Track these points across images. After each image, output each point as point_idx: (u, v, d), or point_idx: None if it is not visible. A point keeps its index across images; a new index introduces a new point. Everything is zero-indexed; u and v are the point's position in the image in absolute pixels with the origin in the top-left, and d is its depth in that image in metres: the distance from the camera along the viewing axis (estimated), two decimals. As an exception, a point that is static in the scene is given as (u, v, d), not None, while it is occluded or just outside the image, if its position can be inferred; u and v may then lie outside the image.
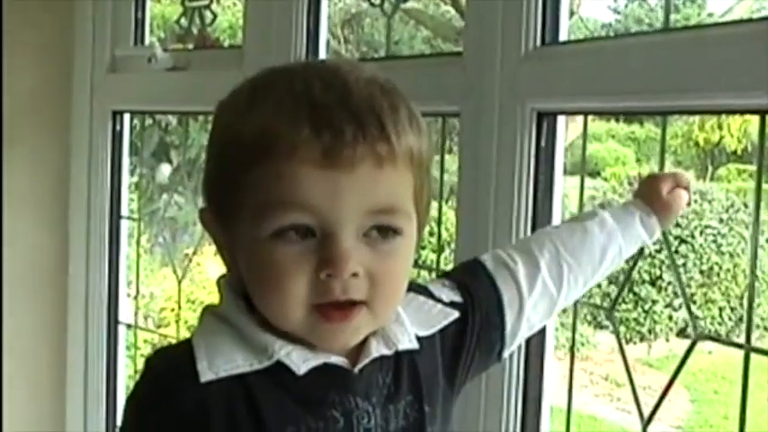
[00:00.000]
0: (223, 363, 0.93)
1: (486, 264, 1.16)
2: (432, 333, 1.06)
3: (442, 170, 1.84)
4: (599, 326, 6.38)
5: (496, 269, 1.15)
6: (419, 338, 1.03)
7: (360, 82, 0.92)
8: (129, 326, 2.76)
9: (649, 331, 6.61)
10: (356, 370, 0.97)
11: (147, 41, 2.59)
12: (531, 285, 1.15)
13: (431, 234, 2.06)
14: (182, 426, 0.91)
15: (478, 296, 1.12)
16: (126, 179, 2.66)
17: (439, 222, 1.98)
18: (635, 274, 6.48)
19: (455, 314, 1.08)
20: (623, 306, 6.55)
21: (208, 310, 1.01)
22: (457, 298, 1.11)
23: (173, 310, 4.55)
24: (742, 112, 1.84)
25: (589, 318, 6.43)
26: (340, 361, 0.96)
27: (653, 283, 6.57)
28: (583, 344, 6.39)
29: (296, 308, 0.92)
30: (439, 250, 2.12)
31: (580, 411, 5.89)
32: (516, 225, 1.65)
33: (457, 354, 1.09)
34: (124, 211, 2.66)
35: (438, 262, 2.09)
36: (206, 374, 0.92)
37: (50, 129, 2.66)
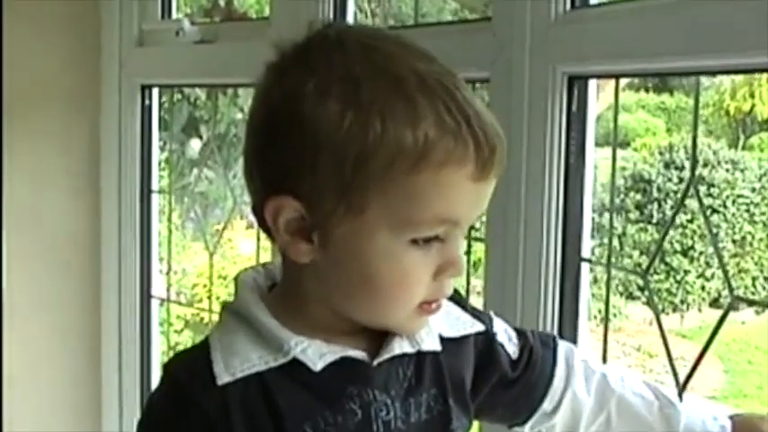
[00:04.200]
0: (239, 363, 0.93)
1: (558, 349, 1.17)
2: (457, 336, 1.06)
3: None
4: (631, 297, 6.36)
5: (562, 361, 1.16)
6: (443, 338, 1.04)
7: (465, 84, 0.93)
8: (161, 300, 2.78)
9: (682, 302, 6.59)
10: (375, 363, 0.97)
11: (174, 15, 2.59)
12: (572, 403, 1.15)
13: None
14: (205, 427, 0.92)
15: (534, 366, 1.14)
16: (156, 153, 2.67)
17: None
18: (666, 245, 6.45)
19: (480, 326, 1.09)
20: (655, 277, 6.52)
21: (225, 307, 1.01)
22: (512, 352, 1.12)
23: (204, 285, 4.56)
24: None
25: (621, 289, 6.40)
26: (359, 354, 0.96)
27: (685, 254, 6.53)
28: (615, 315, 6.37)
29: (408, 308, 0.94)
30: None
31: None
32: (549, 192, 1.64)
33: (485, 383, 1.10)
34: (155, 186, 2.67)
35: (469, 234, 2.07)
36: (223, 377, 0.92)
37: (80, 104, 2.66)
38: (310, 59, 0.93)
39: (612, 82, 1.76)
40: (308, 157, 0.90)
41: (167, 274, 2.95)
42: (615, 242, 6.60)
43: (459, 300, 1.09)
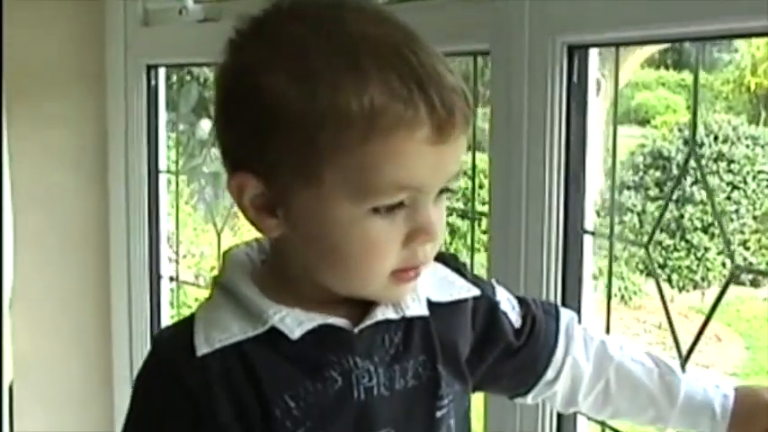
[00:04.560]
0: (218, 334, 0.94)
1: (560, 317, 1.16)
2: (449, 300, 1.05)
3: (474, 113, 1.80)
4: (650, 274, 6.33)
5: (563, 328, 1.15)
6: (433, 303, 1.03)
7: (429, 47, 0.91)
8: (171, 279, 2.78)
9: (702, 279, 6.55)
10: (356, 330, 0.96)
11: (178, -7, 2.58)
12: (572, 370, 1.14)
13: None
14: (188, 400, 0.92)
15: (538, 334, 1.13)
16: (163, 133, 2.66)
17: (473, 167, 1.95)
18: (686, 222, 6.42)
19: (476, 291, 1.08)
20: (675, 254, 6.50)
21: (214, 282, 1.01)
22: (515, 321, 1.11)
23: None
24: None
25: (641, 267, 6.38)
26: (340, 322, 0.96)
27: (705, 231, 6.50)
28: (635, 293, 6.35)
29: (381, 277, 0.93)
30: (473, 197, 2.08)
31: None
32: (550, 162, 1.62)
33: (489, 353, 1.09)
34: (162, 166, 2.66)
35: (473, 211, 2.06)
36: (202, 348, 0.93)
37: (86, 85, 2.66)
38: (264, 33, 0.93)
39: (630, 59, 1.74)
40: (261, 131, 0.90)
41: (177, 255, 2.95)
42: (635, 220, 6.59)
43: (456, 266, 1.09)
